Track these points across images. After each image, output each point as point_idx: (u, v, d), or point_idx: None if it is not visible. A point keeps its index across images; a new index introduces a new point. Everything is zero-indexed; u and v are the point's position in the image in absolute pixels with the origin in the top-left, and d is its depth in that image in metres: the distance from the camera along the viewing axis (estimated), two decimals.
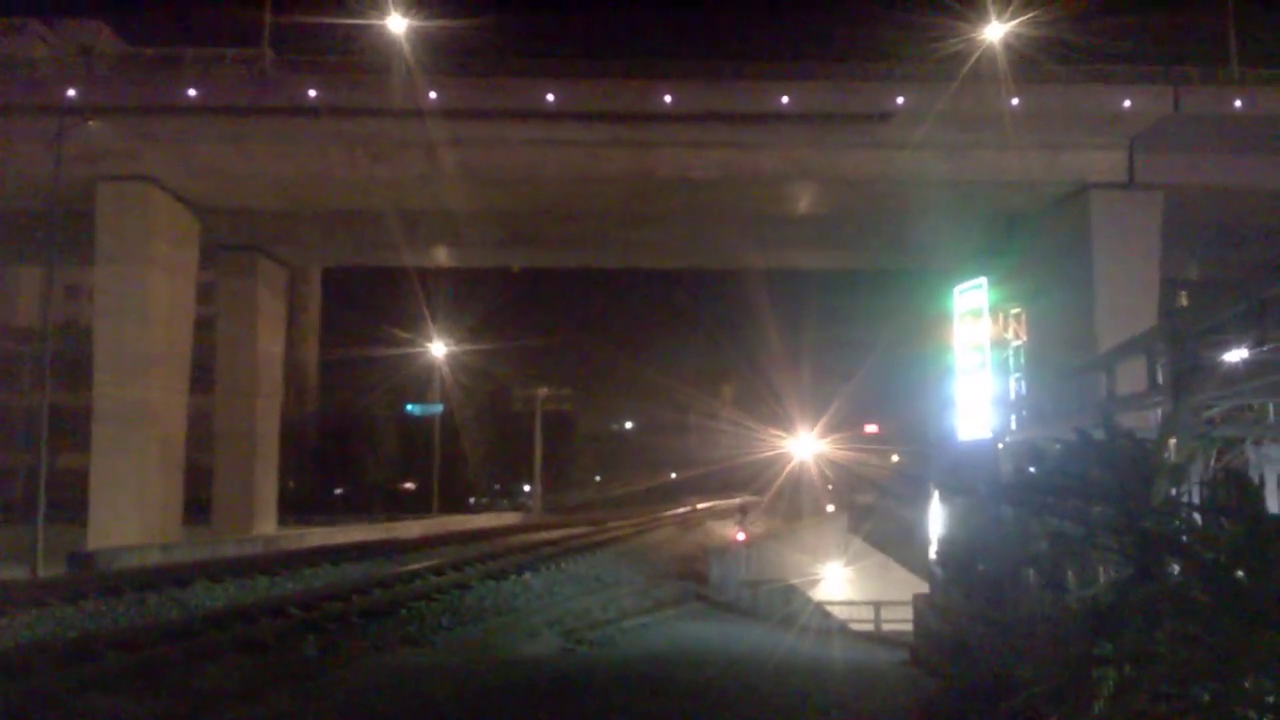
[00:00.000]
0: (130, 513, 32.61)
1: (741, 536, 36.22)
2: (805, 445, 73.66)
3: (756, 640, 17.94)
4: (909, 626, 19.50)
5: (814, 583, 28.99)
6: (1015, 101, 32.70)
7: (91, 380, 34.25)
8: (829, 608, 25.20)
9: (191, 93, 33.77)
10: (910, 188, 35.56)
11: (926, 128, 33.20)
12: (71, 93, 33.55)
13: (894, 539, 36.85)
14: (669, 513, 48.62)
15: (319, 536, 33.00)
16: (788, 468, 67.23)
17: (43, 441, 28.58)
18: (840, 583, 31.87)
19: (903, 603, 21.88)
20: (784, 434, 72.84)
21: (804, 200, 37.10)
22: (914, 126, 33.26)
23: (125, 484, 33.27)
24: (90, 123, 30.94)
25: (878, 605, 26.17)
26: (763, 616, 21.55)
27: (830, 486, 68.61)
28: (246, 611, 13.56)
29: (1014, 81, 32.67)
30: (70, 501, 33.81)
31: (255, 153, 33.89)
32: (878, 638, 23.46)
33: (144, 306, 34.34)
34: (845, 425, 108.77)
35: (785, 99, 34.46)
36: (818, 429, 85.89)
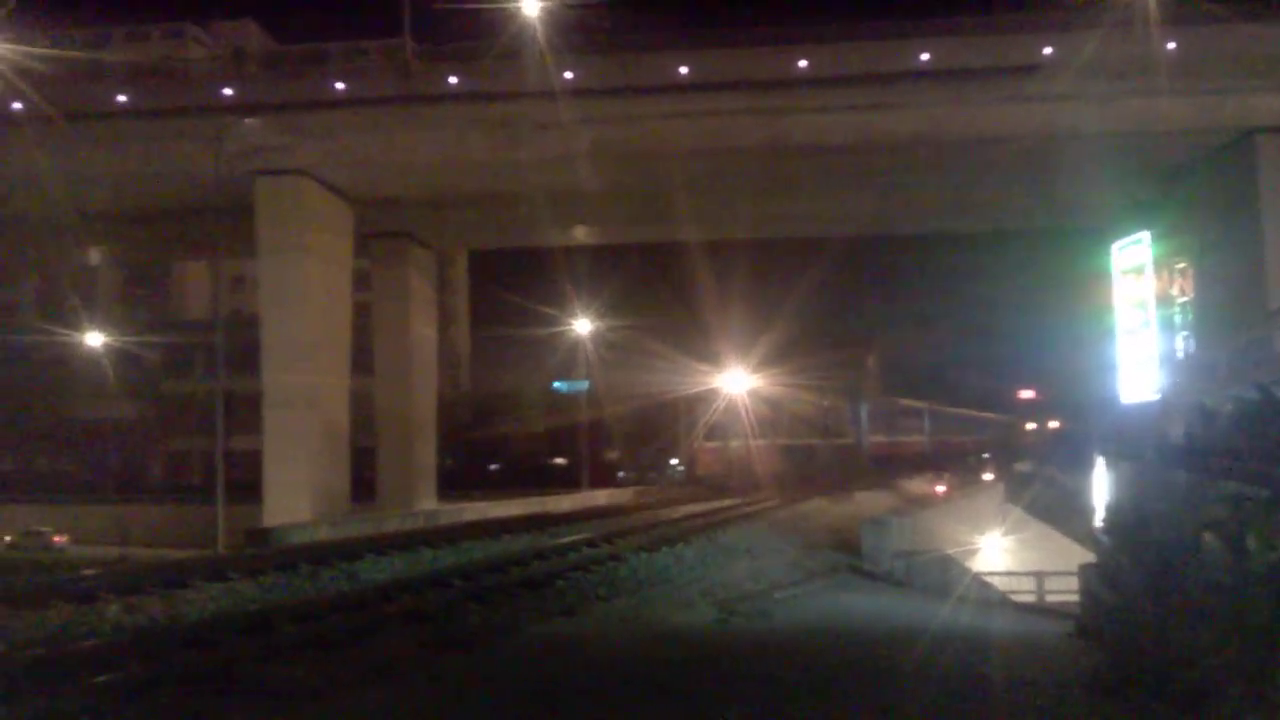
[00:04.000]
0: (301, 491, 34.30)
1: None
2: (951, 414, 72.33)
3: (912, 611, 17.67)
4: (1073, 598, 18.87)
5: (971, 553, 28.30)
6: (1171, 46, 30.92)
7: (259, 367, 36.09)
8: (988, 578, 24.57)
9: (339, 86, 35.07)
10: (1059, 142, 34.13)
11: (1074, 78, 31.75)
12: (228, 92, 35.29)
13: (1055, 507, 35.62)
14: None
15: (475, 511, 33.98)
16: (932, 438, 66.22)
17: (219, 426, 30.33)
18: (999, 553, 31.01)
19: (1067, 573, 21.18)
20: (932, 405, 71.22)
21: (946, 160, 36.03)
22: (1061, 78, 31.87)
23: (295, 464, 34.99)
24: (246, 120, 32.47)
25: (1040, 576, 25.39)
26: (918, 587, 21.18)
27: (986, 455, 67.12)
28: (412, 583, 14.09)
29: (1168, 24, 30.90)
30: (245, 482, 35.81)
31: (400, 141, 34.95)
32: (1040, 609, 22.79)
33: (304, 295, 35.93)
34: (997, 392, 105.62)
35: (924, 56, 33.51)
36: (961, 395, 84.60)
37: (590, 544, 18.90)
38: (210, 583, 13.83)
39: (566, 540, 19.36)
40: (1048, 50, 32.68)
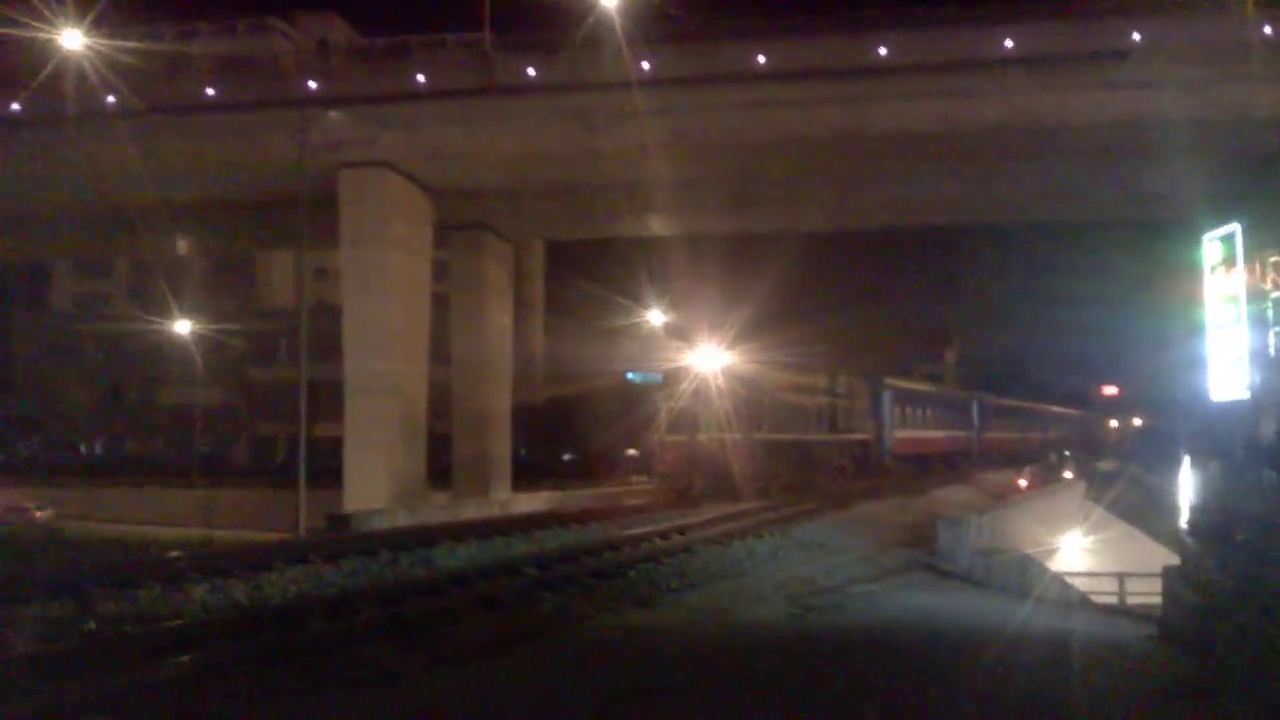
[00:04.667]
0: (380, 477, 34.89)
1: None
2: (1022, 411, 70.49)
3: (989, 611, 17.39)
4: (1156, 600, 18.40)
5: (1051, 553, 27.74)
6: (1266, 30, 29.84)
7: (340, 355, 36.80)
8: (1068, 579, 24.07)
9: (420, 79, 35.50)
10: (1148, 130, 33.10)
11: (1165, 64, 30.81)
12: (312, 85, 35.94)
13: (1139, 507, 34.74)
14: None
15: (548, 500, 34.24)
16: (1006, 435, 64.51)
17: (303, 413, 31.04)
18: (1079, 553, 30.35)
19: (1150, 574, 20.64)
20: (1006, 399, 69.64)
21: (1030, 149, 35.25)
22: (1151, 64, 30.94)
23: (375, 451, 35.61)
24: (330, 113, 33.07)
25: (1122, 577, 24.80)
26: (996, 587, 20.83)
27: (1067, 452, 65.25)
28: (486, 570, 14.28)
29: (1262, 8, 29.82)
30: (326, 467, 36.58)
31: (479, 133, 35.26)
32: (1122, 611, 22.27)
33: (384, 285, 36.52)
34: (1079, 388, 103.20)
35: (1009, 42, 32.80)
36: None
37: (662, 535, 18.94)
38: (292, 565, 14.17)
39: (638, 531, 19.43)
40: (1137, 35, 31.75)
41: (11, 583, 11.50)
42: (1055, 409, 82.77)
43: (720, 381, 30.09)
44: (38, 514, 44.47)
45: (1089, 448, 73.22)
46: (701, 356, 31.26)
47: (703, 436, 29.68)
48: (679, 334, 40.35)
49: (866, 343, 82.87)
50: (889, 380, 46.22)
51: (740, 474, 28.92)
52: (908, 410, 47.46)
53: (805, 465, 34.96)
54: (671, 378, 32.29)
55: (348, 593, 12.54)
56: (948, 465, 50.11)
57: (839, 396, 38.68)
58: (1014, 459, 56.55)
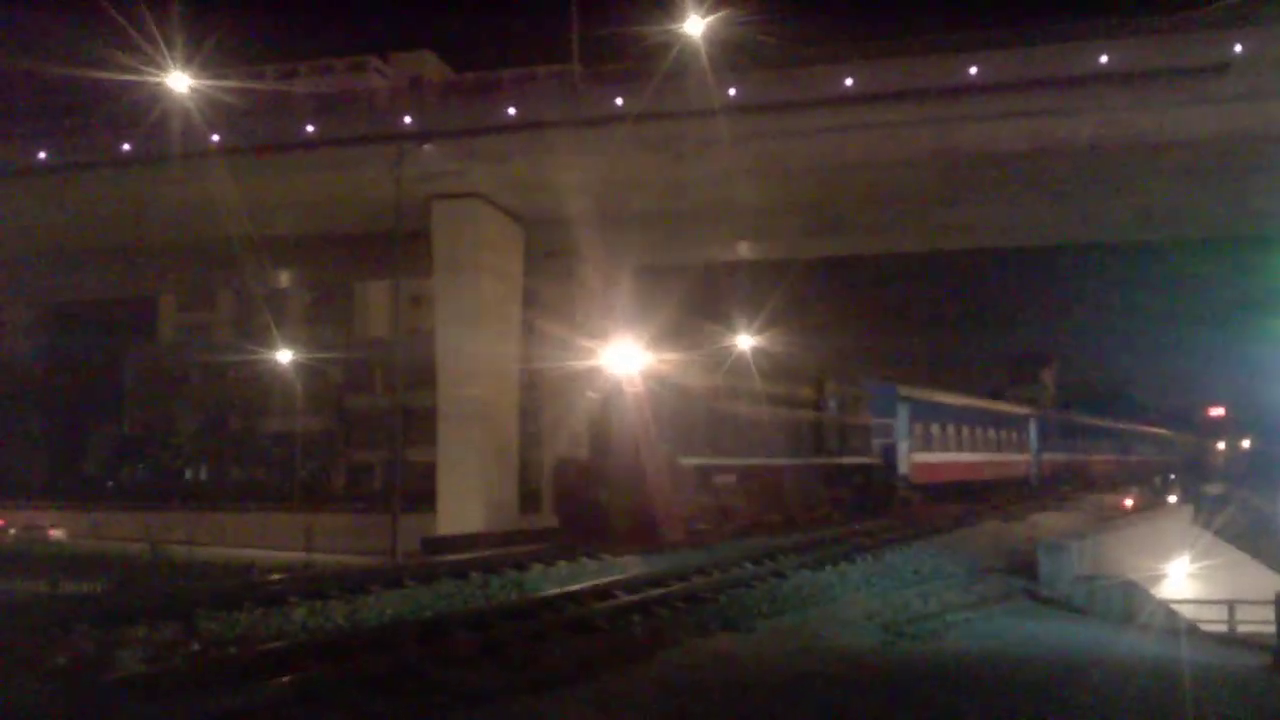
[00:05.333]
0: (472, 501, 35.40)
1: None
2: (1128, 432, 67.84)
3: (1093, 639, 16.88)
4: (1269, 629, 17.65)
5: (1157, 579, 26.81)
6: None
7: (433, 381, 37.49)
8: (1174, 606, 23.21)
9: (510, 111, 36.21)
10: (1252, 144, 32.11)
11: (1269, 75, 29.85)
12: (406, 120, 36.90)
13: (1249, 532, 33.40)
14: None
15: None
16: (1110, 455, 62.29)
17: (398, 438, 31.69)
18: (1186, 579, 29.27)
19: (1263, 602, 19.82)
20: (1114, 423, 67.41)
21: (1128, 167, 34.39)
22: (1255, 75, 30.01)
23: (467, 475, 36.15)
24: (424, 146, 33.90)
25: (1232, 604, 23.83)
26: (1099, 615, 20.21)
27: (1173, 476, 62.71)
28: (577, 595, 14.35)
29: None
30: (421, 492, 37.19)
31: (568, 163, 35.76)
32: (1233, 639, 21.41)
33: (477, 312, 37.17)
34: (1184, 409, 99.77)
35: (1104, 58, 32.14)
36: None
37: (753, 560, 18.82)
38: (388, 589, 14.44)
39: (726, 555, 19.34)
40: (1239, 48, 30.83)
41: (119, 603, 11.94)
42: (1141, 428, 75.25)
43: (656, 388, 23.39)
44: (52, 532, 46.62)
45: (1186, 470, 69.66)
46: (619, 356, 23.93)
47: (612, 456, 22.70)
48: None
49: (959, 364, 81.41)
50: (905, 389, 37.95)
51: (663, 506, 21.94)
52: (933, 428, 39.13)
53: (772, 497, 27.06)
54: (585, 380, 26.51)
55: (441, 616, 12.71)
56: (990, 494, 41.39)
57: (825, 409, 30.28)
58: (1088, 484, 52.02)
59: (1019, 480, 47.08)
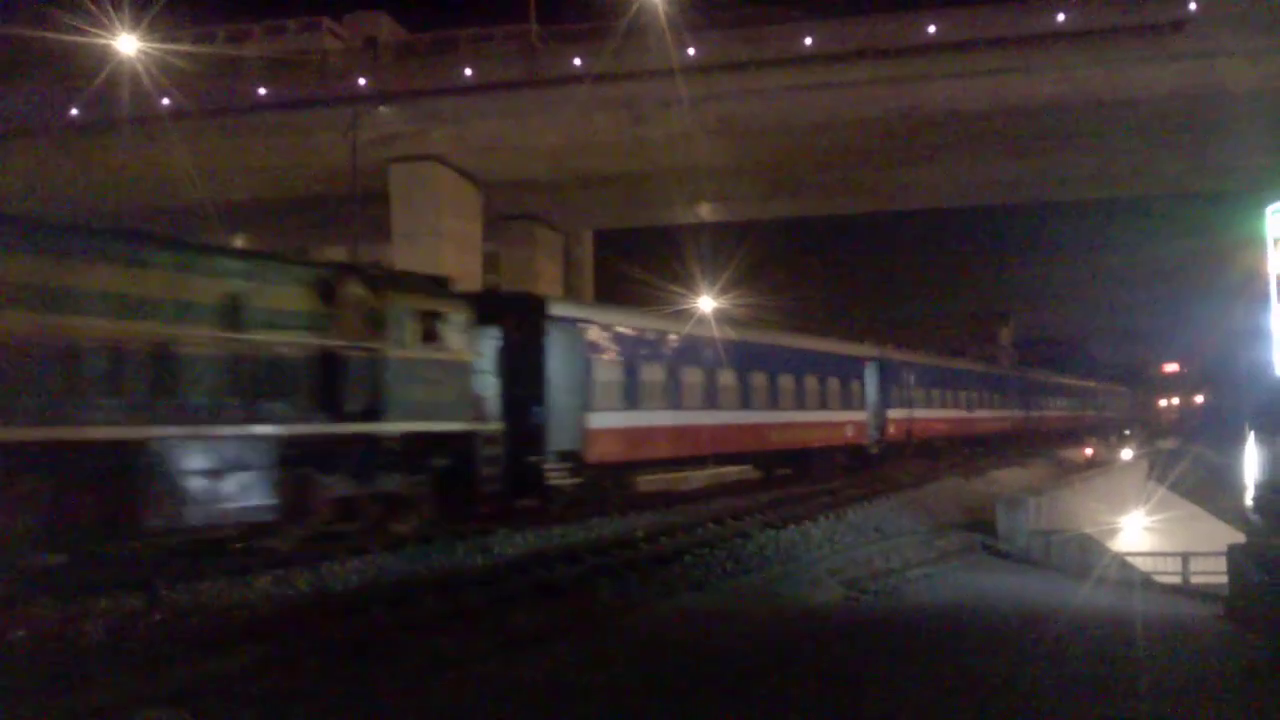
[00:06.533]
0: None
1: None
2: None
3: (1049, 592, 17.22)
4: (1221, 579, 18.08)
5: (1112, 533, 27.33)
6: None
7: None
8: (1130, 559, 23.72)
9: (467, 72, 35.80)
10: (1208, 102, 32.46)
11: (1225, 33, 30.12)
12: (362, 82, 36.39)
13: (1201, 486, 34.09)
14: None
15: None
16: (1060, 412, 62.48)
17: None
18: (1141, 533, 29.87)
19: (1214, 553, 20.29)
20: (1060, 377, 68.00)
21: (1086, 125, 34.66)
22: (1211, 33, 30.28)
23: None
24: (380, 109, 33.44)
25: (1186, 556, 24.38)
26: (1055, 568, 20.61)
27: (1126, 432, 63.52)
28: (544, 557, 14.40)
29: None
30: None
31: (527, 124, 35.48)
32: (1186, 591, 21.92)
33: None
34: (1136, 366, 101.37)
35: (1061, 17, 32.33)
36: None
37: (717, 520, 18.95)
38: (353, 556, 14.38)
39: (694, 517, 19.45)
40: (1194, 5, 31.08)
41: (81, 575, 11.80)
42: (1077, 382, 65.62)
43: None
44: None
45: (1130, 428, 69.90)
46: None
47: None
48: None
49: (917, 322, 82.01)
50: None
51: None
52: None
53: None
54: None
55: (408, 580, 12.71)
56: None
57: None
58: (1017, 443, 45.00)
59: (831, 449, 30.23)
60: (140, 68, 30.31)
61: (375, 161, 34.65)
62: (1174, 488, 34.44)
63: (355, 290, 14.67)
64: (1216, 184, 42.04)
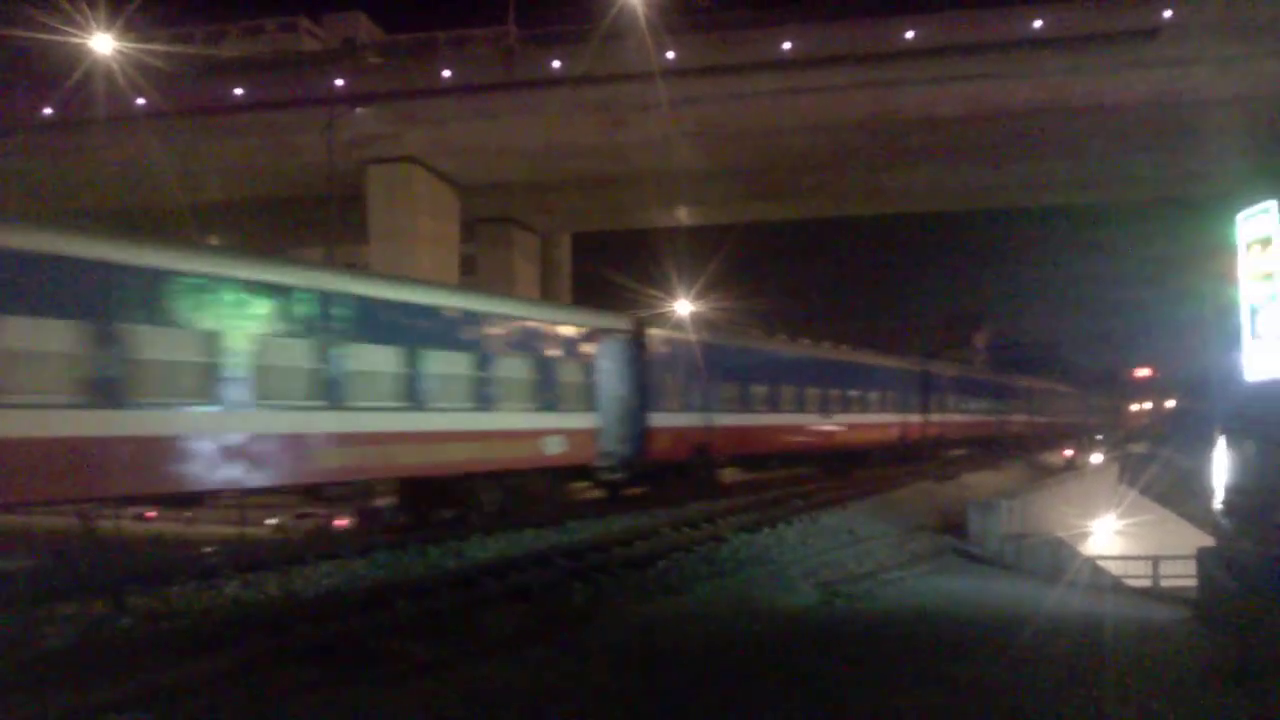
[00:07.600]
0: None
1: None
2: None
3: (1021, 595, 17.31)
4: (1191, 583, 18.24)
5: (1083, 536, 27.53)
6: None
7: None
8: (1101, 563, 23.89)
9: (445, 74, 35.71)
10: (1182, 109, 32.81)
11: (1198, 41, 30.44)
12: (339, 83, 36.23)
13: (1172, 490, 34.40)
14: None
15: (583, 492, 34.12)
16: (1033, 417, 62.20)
17: None
18: (1112, 536, 30.11)
19: (1184, 557, 20.47)
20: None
21: (1062, 131, 34.93)
22: (1183, 42, 30.61)
23: None
24: (358, 110, 33.31)
25: (1155, 560, 24.59)
26: (1027, 571, 20.74)
27: (1099, 437, 63.86)
28: (518, 562, 14.35)
29: None
30: None
31: (505, 126, 35.42)
32: (1156, 594, 22.10)
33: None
34: (1109, 370, 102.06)
35: (1038, 23, 32.59)
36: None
37: (691, 524, 18.95)
38: (324, 560, 14.29)
39: (668, 520, 19.44)
40: (1168, 13, 31.39)
41: (49, 581, 11.70)
42: (1034, 384, 57.01)
43: None
44: None
45: (1110, 431, 69.92)
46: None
47: None
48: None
49: (893, 327, 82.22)
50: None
51: None
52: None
53: None
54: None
55: (380, 585, 12.64)
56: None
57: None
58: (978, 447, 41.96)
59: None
60: (115, 67, 30.06)
61: (352, 162, 34.52)
62: (1145, 492, 34.74)
63: None
64: (1189, 190, 42.46)
